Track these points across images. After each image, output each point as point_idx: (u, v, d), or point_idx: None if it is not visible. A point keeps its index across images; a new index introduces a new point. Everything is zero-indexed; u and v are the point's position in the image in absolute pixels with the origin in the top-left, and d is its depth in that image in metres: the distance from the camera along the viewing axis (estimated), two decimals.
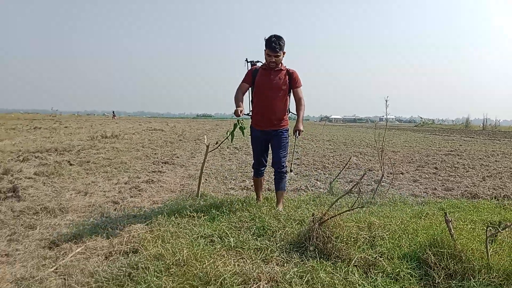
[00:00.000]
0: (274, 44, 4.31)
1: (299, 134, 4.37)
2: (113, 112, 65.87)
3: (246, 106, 4.73)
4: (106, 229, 3.97)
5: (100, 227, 4.03)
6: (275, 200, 4.78)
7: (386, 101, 5.06)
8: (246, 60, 4.89)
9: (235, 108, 4.35)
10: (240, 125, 4.73)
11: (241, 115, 4.34)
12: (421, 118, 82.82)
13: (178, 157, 10.32)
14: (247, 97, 4.76)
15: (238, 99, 4.48)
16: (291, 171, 4.54)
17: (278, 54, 4.36)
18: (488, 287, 2.47)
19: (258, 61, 4.84)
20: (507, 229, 3.20)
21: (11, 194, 5.32)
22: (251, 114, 4.79)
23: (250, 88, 4.71)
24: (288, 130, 4.69)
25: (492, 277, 2.52)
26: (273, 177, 4.74)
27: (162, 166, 8.55)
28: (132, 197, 5.49)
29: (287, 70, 4.56)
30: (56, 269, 3.01)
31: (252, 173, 4.98)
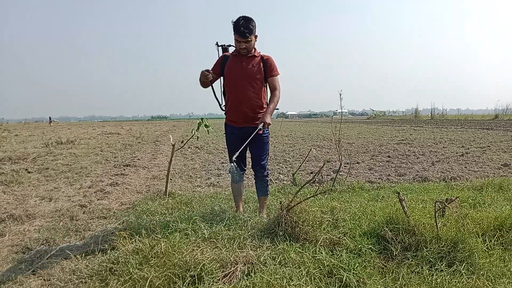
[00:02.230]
0: (243, 28, 3.71)
1: (263, 127, 3.74)
2: (50, 118, 63.89)
3: (217, 101, 4.24)
4: (78, 231, 4.03)
5: (71, 229, 4.08)
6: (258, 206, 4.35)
7: (340, 94, 5.38)
8: (217, 44, 4.22)
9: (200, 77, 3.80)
10: (205, 123, 4.86)
11: (210, 77, 3.79)
12: (373, 110, 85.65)
13: (139, 159, 10.29)
14: (219, 90, 4.24)
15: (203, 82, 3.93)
16: (234, 161, 3.58)
17: (249, 39, 3.76)
18: (438, 255, 2.79)
19: (230, 45, 4.20)
20: (453, 205, 3.57)
21: None
22: (223, 105, 4.23)
23: (221, 79, 4.15)
24: (268, 129, 4.05)
25: (442, 246, 2.84)
26: (254, 181, 4.30)
27: (124, 169, 8.52)
28: (99, 199, 5.51)
29: (262, 57, 4.00)
30: (34, 271, 3.07)
31: (230, 178, 4.40)
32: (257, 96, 3.97)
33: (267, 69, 3.97)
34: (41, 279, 2.90)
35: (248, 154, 4.20)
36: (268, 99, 4.06)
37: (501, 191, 4.97)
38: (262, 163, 4.09)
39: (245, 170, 4.27)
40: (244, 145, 3.77)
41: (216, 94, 4.19)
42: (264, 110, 3.99)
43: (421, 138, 15.98)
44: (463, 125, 28.17)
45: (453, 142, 13.70)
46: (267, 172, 4.20)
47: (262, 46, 4.07)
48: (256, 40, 3.90)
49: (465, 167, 7.82)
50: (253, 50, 3.95)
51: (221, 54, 4.18)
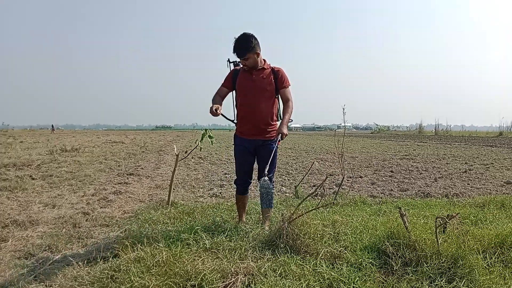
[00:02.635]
0: (238, 49, 3.81)
1: (281, 138, 3.81)
2: (52, 125, 64.40)
3: (230, 110, 4.29)
4: (81, 238, 4.06)
5: (74, 236, 4.11)
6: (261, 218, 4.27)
7: (343, 109, 5.40)
8: (228, 60, 4.25)
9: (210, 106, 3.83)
10: (209, 134, 4.90)
11: (218, 113, 3.82)
12: (376, 125, 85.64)
13: (142, 169, 10.34)
14: (231, 102, 4.28)
15: (214, 101, 3.99)
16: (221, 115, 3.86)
17: (246, 57, 3.81)
18: (438, 271, 2.79)
19: None
20: (455, 222, 3.58)
21: None
22: (235, 121, 4.22)
23: (233, 92, 4.20)
24: (277, 140, 3.99)
25: (442, 262, 2.84)
26: (258, 192, 4.25)
27: (127, 178, 8.57)
28: (102, 207, 5.55)
29: (272, 69, 4.02)
30: (36, 276, 3.10)
31: (235, 190, 4.36)
32: (267, 109, 3.99)
33: (278, 81, 3.98)
34: (42, 285, 2.92)
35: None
36: (280, 111, 4.12)
37: (503, 208, 4.97)
38: (269, 176, 3.98)
39: (251, 182, 4.25)
40: (271, 158, 3.85)
41: (227, 117, 4.20)
42: (275, 122, 4.06)
43: (425, 153, 15.97)
44: (467, 141, 28.13)
45: (457, 158, 13.69)
46: (273, 185, 4.12)
47: (269, 59, 4.11)
48: (258, 57, 3.89)
49: (468, 184, 7.81)
50: (262, 62, 3.99)
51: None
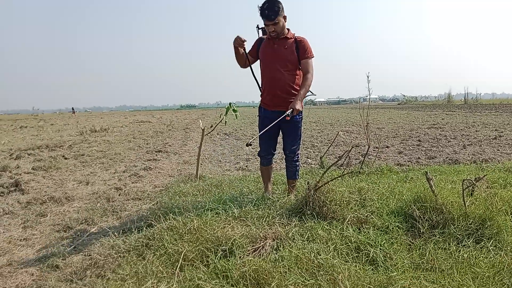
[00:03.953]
0: (267, 11, 3.66)
1: (292, 113, 3.63)
2: (73, 108, 65.89)
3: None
4: (115, 211, 4.23)
5: (108, 210, 4.29)
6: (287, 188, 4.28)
7: (368, 76, 5.36)
8: (257, 26, 4.05)
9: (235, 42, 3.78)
10: (233, 107, 4.95)
11: (243, 44, 3.81)
12: (404, 96, 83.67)
13: (170, 146, 10.54)
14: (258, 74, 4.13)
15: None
16: (250, 145, 3.39)
17: (276, 21, 3.67)
18: (466, 232, 2.80)
19: None
20: (482, 186, 3.56)
21: (14, 188, 5.50)
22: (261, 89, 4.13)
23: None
24: (301, 113, 4.03)
25: (469, 224, 2.85)
26: (285, 164, 4.28)
27: (156, 155, 8.77)
28: (133, 183, 5.74)
29: (295, 38, 3.90)
30: (75, 247, 3.27)
31: (259, 161, 4.36)
32: (289, 79, 3.88)
33: (300, 50, 3.85)
34: (82, 254, 3.08)
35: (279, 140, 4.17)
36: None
37: None
38: (293, 148, 4.04)
39: (274, 154, 4.20)
40: (264, 130, 3.67)
41: (255, 75, 4.15)
42: (296, 93, 3.88)
43: (453, 122, 15.62)
44: (498, 109, 27.29)
45: (487, 125, 13.34)
46: (298, 158, 4.13)
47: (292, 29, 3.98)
48: (285, 21, 3.81)
49: (498, 150, 7.65)
50: (287, 31, 3.87)
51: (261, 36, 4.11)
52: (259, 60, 4.06)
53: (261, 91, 4.13)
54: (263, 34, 4.07)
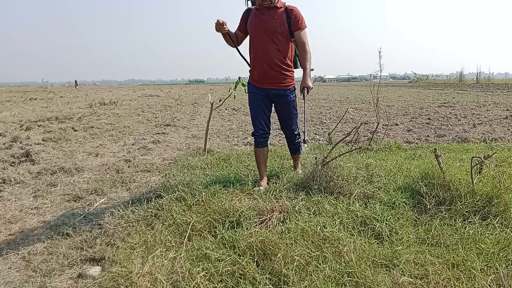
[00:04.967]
0: None
1: (307, 93, 3.53)
2: (76, 81, 66.98)
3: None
4: (124, 182, 4.29)
5: (118, 181, 4.34)
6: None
7: (380, 52, 5.28)
8: None
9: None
10: (242, 82, 4.92)
11: (224, 27, 3.48)
12: (415, 74, 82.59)
13: (178, 120, 10.57)
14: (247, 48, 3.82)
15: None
16: (304, 142, 3.58)
17: None
18: (472, 209, 2.81)
19: None
20: (491, 164, 3.54)
21: (25, 159, 5.57)
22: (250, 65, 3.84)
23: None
24: (294, 90, 3.74)
25: (476, 201, 2.85)
26: (286, 141, 4.16)
27: (165, 128, 8.82)
28: (142, 155, 5.79)
29: (286, 8, 3.55)
30: (85, 216, 3.33)
31: (253, 142, 4.02)
32: (279, 52, 3.55)
33: (292, 21, 3.51)
34: (92, 223, 3.15)
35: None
36: (298, 57, 3.73)
37: None
38: (292, 128, 3.85)
39: (269, 133, 3.86)
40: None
41: (241, 53, 3.87)
42: (290, 69, 3.66)
43: (464, 101, 15.43)
44: (510, 89, 26.85)
45: (498, 105, 13.16)
46: (298, 135, 3.93)
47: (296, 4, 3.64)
48: None
49: (508, 129, 7.56)
50: (276, 0, 3.52)
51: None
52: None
53: (249, 66, 3.83)
54: (252, 5, 3.74)
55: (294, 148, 4.02)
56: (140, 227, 2.83)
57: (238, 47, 3.80)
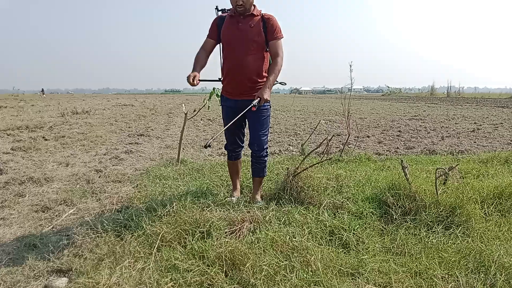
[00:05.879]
0: None
1: (259, 103, 3.17)
2: (42, 89, 67.60)
3: (218, 66, 3.66)
4: (94, 193, 4.23)
5: (88, 192, 4.27)
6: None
7: (350, 66, 5.42)
8: (217, 8, 3.58)
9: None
10: (217, 92, 4.94)
11: (195, 83, 3.22)
12: (388, 87, 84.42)
13: (152, 130, 10.49)
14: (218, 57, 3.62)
15: (197, 61, 3.41)
16: (208, 146, 2.87)
17: None
18: (436, 219, 2.91)
19: (230, 9, 3.47)
20: (456, 175, 3.67)
21: None
22: (221, 78, 3.65)
23: (220, 44, 3.55)
24: (270, 102, 3.46)
25: (440, 211, 2.96)
26: (250, 160, 3.71)
27: (138, 138, 8.73)
28: (114, 165, 5.71)
29: (262, 16, 3.38)
30: (53, 227, 3.27)
31: (226, 155, 3.92)
32: (255, 63, 3.39)
33: (268, 30, 3.34)
34: (60, 234, 3.09)
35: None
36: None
37: (507, 164, 5.02)
38: (262, 138, 3.51)
39: (242, 146, 3.78)
40: (228, 124, 3.33)
41: (210, 79, 3.77)
42: (264, 80, 3.42)
43: (434, 114, 15.90)
44: (479, 103, 27.81)
45: (466, 118, 13.63)
46: (266, 153, 3.61)
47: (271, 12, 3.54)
48: None
49: (475, 142, 7.85)
50: (252, 8, 3.36)
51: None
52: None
53: (222, 78, 3.64)
54: (222, 13, 3.57)
55: (258, 169, 3.61)
56: (109, 238, 2.79)
57: (203, 79, 3.53)
